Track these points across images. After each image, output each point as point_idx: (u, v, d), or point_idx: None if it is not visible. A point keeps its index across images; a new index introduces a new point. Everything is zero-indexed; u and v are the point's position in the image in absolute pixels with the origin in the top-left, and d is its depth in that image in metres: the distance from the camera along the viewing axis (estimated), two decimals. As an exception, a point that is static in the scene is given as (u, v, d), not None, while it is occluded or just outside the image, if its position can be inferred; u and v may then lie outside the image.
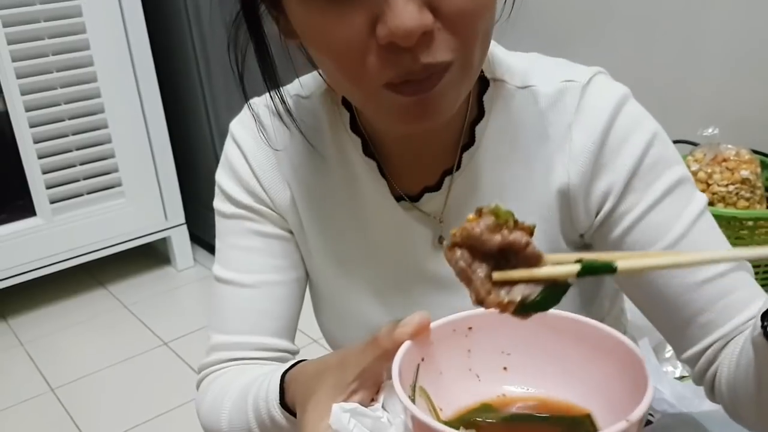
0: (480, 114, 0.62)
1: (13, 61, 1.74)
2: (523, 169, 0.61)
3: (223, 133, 1.89)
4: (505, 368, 0.44)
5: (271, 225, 0.69)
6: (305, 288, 0.73)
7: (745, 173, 1.54)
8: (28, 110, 1.79)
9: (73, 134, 1.88)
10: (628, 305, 0.74)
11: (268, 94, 0.64)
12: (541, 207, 0.61)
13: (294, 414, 0.55)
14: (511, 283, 0.40)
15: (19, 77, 1.76)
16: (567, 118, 0.60)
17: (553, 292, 0.39)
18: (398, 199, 0.64)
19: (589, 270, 0.38)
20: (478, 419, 0.42)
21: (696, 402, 1.15)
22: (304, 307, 0.72)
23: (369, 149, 0.64)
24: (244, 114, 0.69)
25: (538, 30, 2.25)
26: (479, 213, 0.41)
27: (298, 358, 0.66)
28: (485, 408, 0.43)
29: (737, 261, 0.58)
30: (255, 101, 0.68)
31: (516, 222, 0.41)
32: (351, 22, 0.48)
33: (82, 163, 1.91)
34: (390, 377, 0.42)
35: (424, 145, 0.62)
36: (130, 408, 1.55)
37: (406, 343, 0.42)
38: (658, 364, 1.15)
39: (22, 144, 1.81)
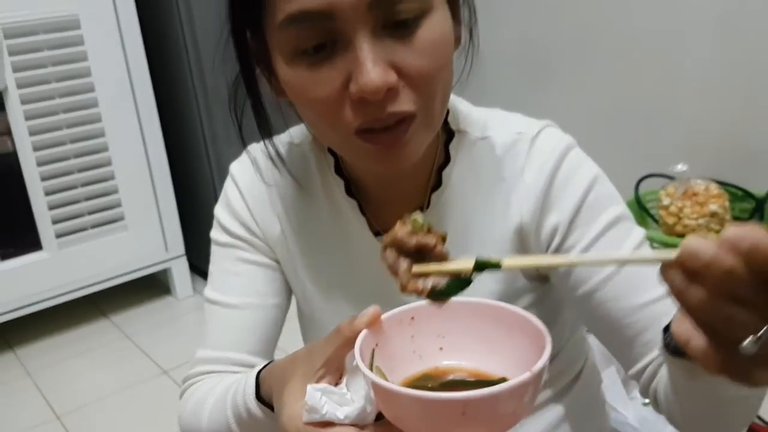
0: (446, 160, 0.70)
1: (22, 103, 1.84)
2: (484, 208, 0.69)
3: (222, 168, 2.01)
4: (441, 348, 0.54)
5: (259, 255, 0.76)
6: (285, 314, 0.80)
7: (713, 207, 1.62)
8: (35, 150, 1.89)
9: (78, 171, 1.97)
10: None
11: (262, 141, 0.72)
12: (501, 242, 0.69)
13: (269, 406, 0.62)
14: (426, 275, 0.53)
15: (27, 119, 1.86)
16: (519, 163, 0.68)
17: (456, 282, 0.53)
18: (376, 233, 0.72)
19: (481, 266, 0.51)
20: (420, 384, 0.52)
21: (659, 425, 1.22)
22: (288, 328, 0.80)
23: (351, 190, 0.72)
24: (243, 157, 0.77)
25: (519, 64, 2.36)
26: (403, 221, 0.54)
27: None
28: (425, 377, 0.53)
29: (626, 264, 0.65)
30: (252, 147, 0.76)
31: (429, 229, 0.54)
32: (328, 80, 0.57)
33: (86, 199, 2.00)
34: (350, 365, 0.52)
35: (398, 187, 0.70)
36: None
37: (363, 332, 0.51)
38: (622, 389, 1.22)
39: (30, 181, 1.90)
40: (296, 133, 0.76)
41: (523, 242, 0.69)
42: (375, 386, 0.46)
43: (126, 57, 1.96)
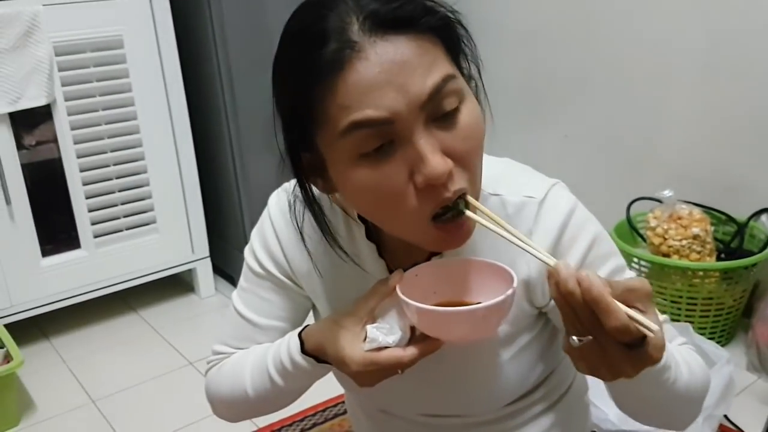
0: None
1: (68, 114, 2.02)
2: (492, 258, 0.75)
3: (247, 179, 2.22)
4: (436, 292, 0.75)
5: (286, 288, 0.87)
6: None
7: (696, 230, 1.77)
8: (78, 157, 2.06)
9: (116, 178, 2.14)
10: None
11: (302, 193, 0.76)
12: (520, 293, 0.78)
13: (314, 357, 0.77)
14: None
15: (72, 129, 2.03)
16: (528, 226, 0.76)
17: None
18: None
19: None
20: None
21: (637, 423, 1.37)
22: None
23: (371, 235, 0.80)
24: (281, 193, 0.86)
25: (521, 96, 2.50)
26: None
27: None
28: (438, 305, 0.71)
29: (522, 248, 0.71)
30: (290, 185, 0.83)
31: None
32: (394, 175, 0.64)
33: (122, 203, 2.17)
34: (383, 310, 0.72)
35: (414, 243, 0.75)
36: (161, 418, 1.78)
37: (398, 286, 0.71)
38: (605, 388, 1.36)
39: (72, 185, 2.07)
40: None
41: (530, 293, 0.78)
42: (420, 311, 0.67)
43: (164, 75, 2.13)
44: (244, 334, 0.89)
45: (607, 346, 0.59)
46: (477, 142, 0.68)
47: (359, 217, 0.80)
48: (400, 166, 0.64)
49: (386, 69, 0.61)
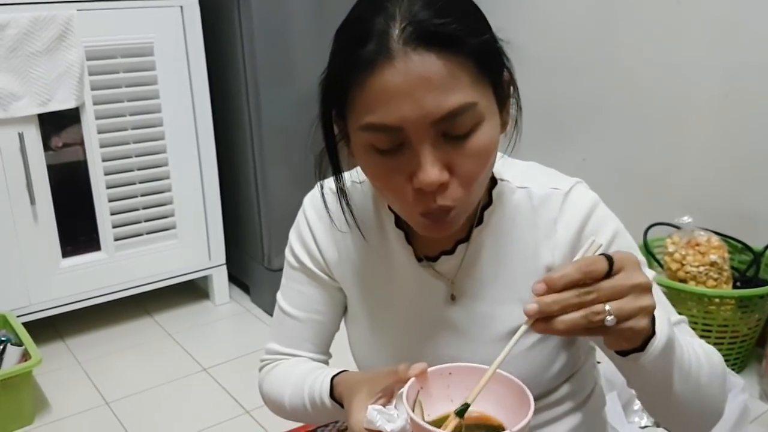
0: (489, 202, 0.83)
1: (96, 118, 2.05)
2: (517, 246, 0.81)
3: (267, 189, 2.24)
4: (453, 400, 0.72)
5: (320, 279, 0.93)
6: (339, 324, 0.97)
7: (713, 257, 1.78)
8: (104, 160, 2.09)
9: (140, 182, 2.17)
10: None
11: (334, 179, 0.83)
12: (530, 275, 0.80)
13: (339, 403, 0.82)
14: None
15: (99, 132, 2.06)
16: (553, 215, 0.80)
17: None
18: (419, 259, 0.85)
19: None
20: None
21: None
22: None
23: (400, 223, 0.85)
24: (315, 191, 0.92)
25: (543, 121, 2.53)
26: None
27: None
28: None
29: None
30: (325, 182, 0.89)
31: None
32: (397, 172, 0.70)
33: (144, 207, 2.19)
34: (399, 395, 0.69)
35: None
36: (173, 422, 1.79)
37: (411, 380, 0.69)
38: (621, 411, 1.38)
39: (96, 188, 2.10)
40: (360, 171, 0.87)
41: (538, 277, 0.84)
42: (412, 422, 0.65)
43: (191, 83, 2.17)
44: (287, 329, 0.96)
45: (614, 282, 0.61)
46: (482, 165, 0.70)
47: (389, 207, 0.85)
48: (404, 166, 0.69)
49: (409, 81, 0.64)
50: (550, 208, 0.80)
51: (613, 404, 1.38)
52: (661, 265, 1.96)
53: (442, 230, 0.74)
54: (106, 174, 2.10)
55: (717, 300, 1.78)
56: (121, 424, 1.79)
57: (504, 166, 0.85)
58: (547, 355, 0.84)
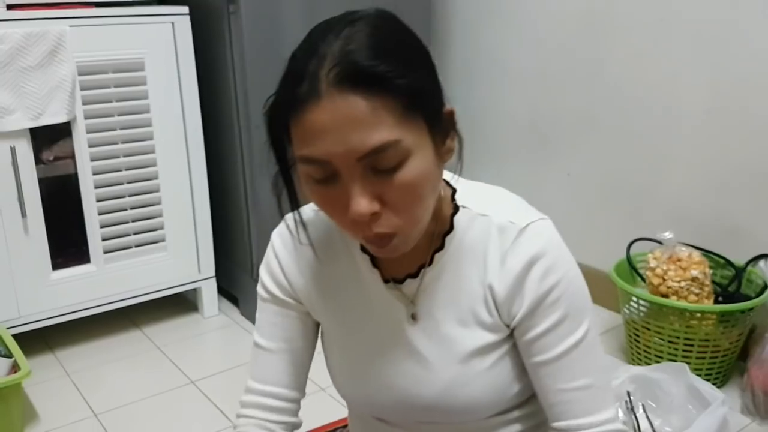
0: (451, 227, 0.86)
1: (87, 132, 2.06)
2: (473, 271, 0.85)
3: (257, 202, 2.27)
4: None
5: (291, 308, 0.95)
6: (313, 352, 0.99)
7: (695, 272, 1.81)
8: (94, 173, 2.10)
9: (129, 195, 2.18)
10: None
11: (290, 204, 0.84)
12: (483, 300, 0.85)
13: None
14: None
15: (90, 146, 2.08)
16: (505, 248, 0.83)
17: None
18: (387, 281, 0.88)
19: None
20: None
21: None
22: (314, 361, 1.00)
23: (365, 247, 0.86)
24: (281, 226, 0.95)
25: (529, 136, 2.56)
26: None
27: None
28: None
29: None
30: (288, 216, 0.92)
31: None
32: (335, 201, 0.74)
33: (133, 220, 2.21)
34: None
35: (408, 252, 0.81)
36: (162, 436, 1.81)
37: None
38: None
39: (86, 201, 2.11)
40: None
41: (488, 305, 0.85)
42: None
43: (182, 98, 2.19)
44: (261, 364, 0.97)
45: None
46: (413, 196, 0.74)
47: None
48: (339, 196, 0.73)
49: (335, 120, 0.68)
50: (505, 239, 0.83)
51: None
52: (643, 280, 1.99)
53: (389, 253, 0.78)
54: (97, 187, 2.12)
55: (698, 315, 1.81)
56: (110, 437, 1.80)
57: (467, 193, 0.88)
58: (507, 376, 0.88)
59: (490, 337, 0.86)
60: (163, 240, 2.28)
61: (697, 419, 1.41)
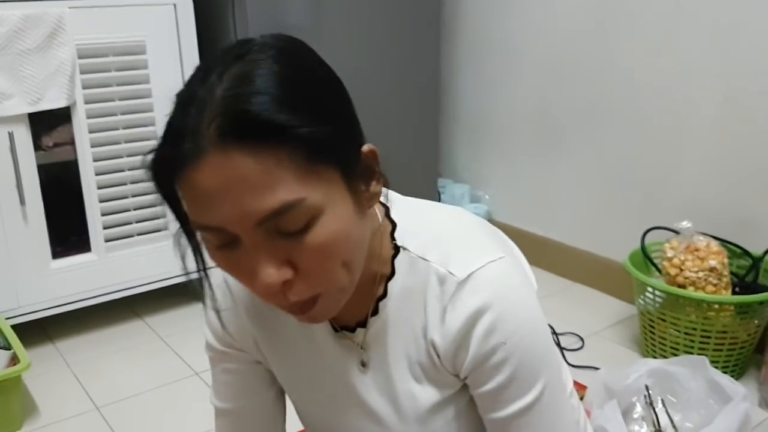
0: (393, 272, 0.76)
1: (87, 117, 2.01)
2: (417, 322, 0.76)
3: None
4: None
5: (243, 360, 0.88)
6: (282, 402, 0.93)
7: (713, 263, 1.77)
8: (95, 160, 2.05)
9: (131, 183, 2.13)
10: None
11: (196, 263, 0.74)
12: (427, 353, 0.77)
13: None
14: None
15: (90, 131, 2.02)
16: (444, 302, 0.73)
17: None
18: (336, 330, 0.81)
19: None
20: None
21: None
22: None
23: None
24: (219, 278, 0.85)
25: (538, 124, 2.51)
26: None
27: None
28: None
29: None
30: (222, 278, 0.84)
31: None
32: (240, 266, 0.64)
33: (135, 209, 2.16)
34: None
35: (353, 298, 0.74)
36: (165, 428, 1.76)
37: None
38: (621, 420, 1.36)
39: (87, 188, 2.06)
40: None
41: (433, 360, 0.77)
42: None
43: (183, 81, 2.13)
44: (224, 427, 0.93)
45: None
46: (330, 257, 0.64)
47: None
48: (244, 263, 0.63)
49: (224, 182, 0.58)
50: (444, 292, 0.73)
51: (613, 412, 1.37)
52: (658, 270, 1.94)
53: (314, 320, 0.70)
54: (97, 174, 2.07)
55: (716, 306, 1.76)
56: (111, 429, 1.76)
57: (409, 228, 0.77)
58: (472, 429, 0.80)
59: (445, 392, 0.79)
60: (165, 228, 2.22)
61: (719, 415, 1.36)
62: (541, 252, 2.47)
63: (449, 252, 0.74)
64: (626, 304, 2.25)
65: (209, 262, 0.71)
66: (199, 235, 0.66)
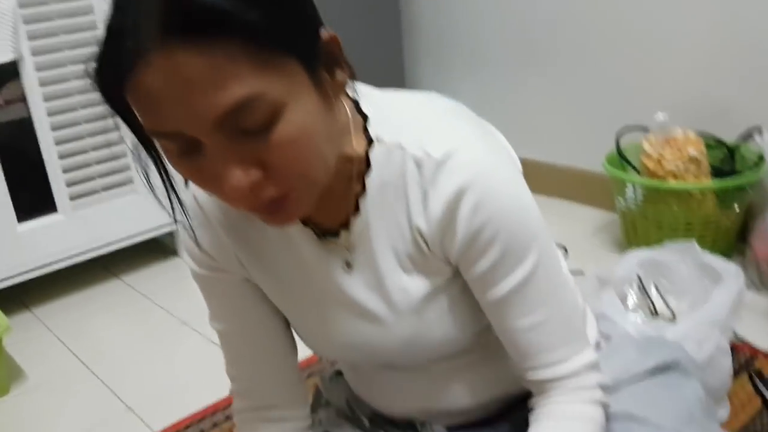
0: (369, 167, 0.73)
1: (37, 70, 1.91)
2: (400, 213, 0.73)
3: None
4: None
5: (229, 282, 0.83)
6: (279, 315, 0.87)
7: (692, 152, 1.77)
8: (50, 115, 1.96)
9: (89, 136, 2.05)
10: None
11: (160, 176, 0.67)
12: (413, 242, 0.74)
13: None
14: None
15: (41, 85, 1.93)
16: (424, 185, 0.70)
17: None
18: (320, 235, 0.77)
19: None
20: None
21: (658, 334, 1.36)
22: None
23: None
24: (191, 198, 0.80)
25: (508, 41, 2.47)
26: None
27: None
28: None
29: None
30: (195, 194, 0.79)
31: None
32: (204, 173, 0.60)
33: (97, 163, 2.08)
34: None
35: (330, 198, 0.72)
36: (163, 377, 1.72)
37: None
38: (620, 305, 1.36)
39: (45, 146, 1.97)
40: None
41: (420, 248, 0.74)
42: None
43: None
44: (234, 354, 0.89)
45: None
46: (299, 153, 0.60)
47: None
48: (208, 168, 0.59)
49: (172, 82, 0.54)
50: (424, 175, 0.70)
51: (611, 299, 1.36)
52: (635, 169, 1.94)
53: (285, 220, 0.66)
54: (54, 129, 1.98)
55: (698, 195, 1.77)
56: (105, 384, 1.71)
57: (380, 117, 0.73)
58: (469, 313, 0.78)
59: (435, 281, 0.76)
60: (131, 182, 2.15)
61: (713, 292, 1.37)
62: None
63: (424, 135, 0.71)
64: (607, 213, 2.25)
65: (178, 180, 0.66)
66: (158, 143, 0.61)
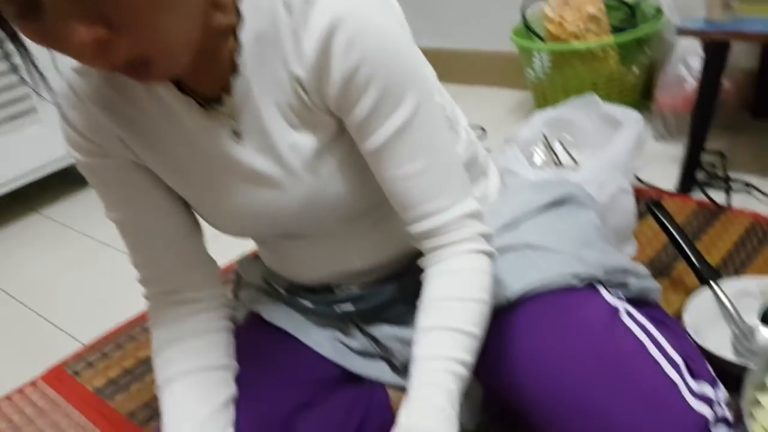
0: (240, 20, 0.70)
1: None
2: (276, 60, 0.71)
3: None
4: None
5: (115, 167, 0.80)
6: (176, 199, 0.85)
7: (591, 10, 1.78)
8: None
9: (-19, 67, 1.95)
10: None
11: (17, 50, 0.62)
12: (295, 93, 0.73)
13: None
14: None
15: None
16: (296, 28, 0.69)
17: None
18: (203, 105, 0.74)
19: None
20: None
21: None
22: None
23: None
24: (63, 83, 0.77)
25: None
26: None
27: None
28: None
29: None
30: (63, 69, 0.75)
31: None
32: (50, 35, 0.57)
33: (-6, 94, 1.99)
34: None
35: (205, 61, 0.70)
36: (89, 295, 1.71)
37: None
38: (524, 158, 1.38)
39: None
40: None
41: (301, 98, 0.73)
42: None
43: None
44: (129, 237, 0.87)
45: None
46: (144, 6, 0.57)
47: None
48: (54, 27, 0.56)
49: None
50: (294, 17, 0.69)
51: (515, 153, 1.38)
52: (542, 39, 1.96)
53: (150, 80, 0.65)
54: (-61, 62, 1.87)
55: (600, 53, 1.80)
56: (38, 314, 1.69)
57: None
58: (363, 167, 0.77)
59: (323, 137, 0.76)
60: (34, 111, 2.07)
61: (614, 136, 1.41)
62: (432, 64, 2.44)
63: None
64: (521, 92, 2.27)
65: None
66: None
